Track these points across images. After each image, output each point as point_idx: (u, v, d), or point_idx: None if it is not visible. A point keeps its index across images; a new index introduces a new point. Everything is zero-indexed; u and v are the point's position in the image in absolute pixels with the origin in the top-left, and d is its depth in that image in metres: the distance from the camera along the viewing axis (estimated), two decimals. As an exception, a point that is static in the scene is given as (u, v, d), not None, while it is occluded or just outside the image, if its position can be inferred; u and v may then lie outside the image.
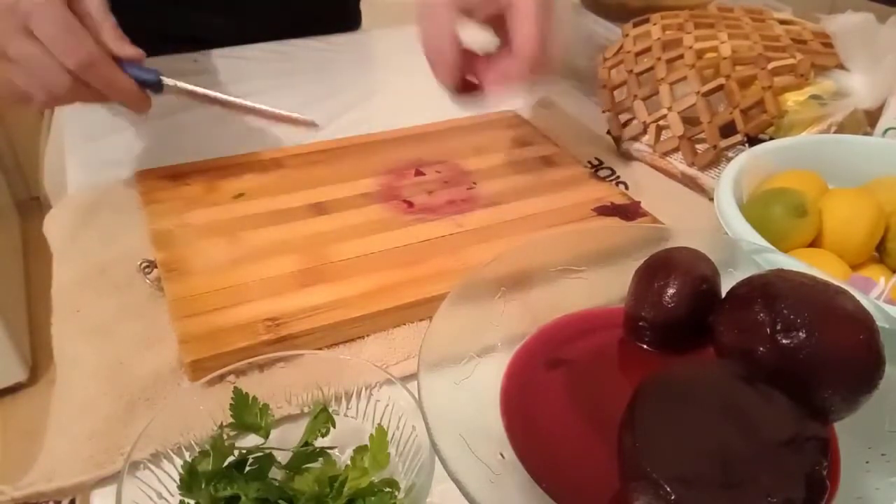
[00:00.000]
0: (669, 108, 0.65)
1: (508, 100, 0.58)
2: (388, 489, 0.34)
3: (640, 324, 0.38)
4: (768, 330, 0.31)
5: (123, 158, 0.65)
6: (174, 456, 0.35)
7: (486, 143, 0.68)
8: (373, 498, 0.33)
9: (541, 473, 0.31)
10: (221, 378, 0.38)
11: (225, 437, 0.35)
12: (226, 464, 0.34)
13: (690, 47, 0.66)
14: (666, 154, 0.66)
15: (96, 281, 0.51)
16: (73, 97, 0.55)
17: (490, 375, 0.36)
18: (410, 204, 0.59)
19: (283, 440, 0.37)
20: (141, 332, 0.47)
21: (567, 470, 0.32)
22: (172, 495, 0.34)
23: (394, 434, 0.37)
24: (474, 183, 0.62)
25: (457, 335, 0.36)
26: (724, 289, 0.36)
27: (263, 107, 0.61)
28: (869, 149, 0.58)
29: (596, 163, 0.68)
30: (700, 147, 0.65)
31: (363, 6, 1.07)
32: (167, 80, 0.57)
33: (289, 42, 0.92)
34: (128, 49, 0.56)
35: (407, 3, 0.66)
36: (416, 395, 0.32)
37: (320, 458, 0.36)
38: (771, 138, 0.61)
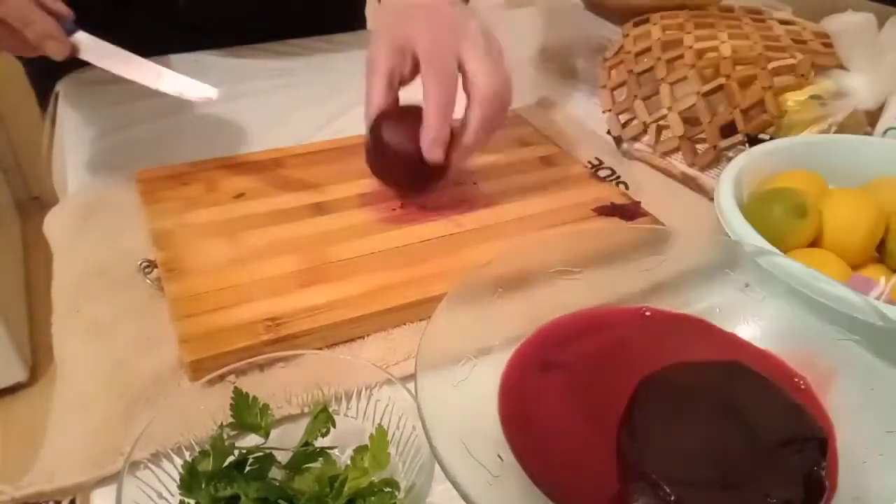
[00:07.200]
0: (669, 108, 0.65)
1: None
2: (388, 489, 0.34)
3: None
4: None
5: (123, 158, 0.65)
6: (174, 456, 0.35)
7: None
8: (373, 498, 0.33)
9: (539, 475, 0.31)
10: (221, 378, 0.38)
11: (225, 437, 0.35)
12: (226, 464, 0.34)
13: (690, 47, 0.66)
14: (666, 154, 0.66)
15: (96, 281, 0.51)
16: None
17: (488, 377, 0.36)
18: (410, 204, 0.59)
19: (283, 440, 0.37)
20: (141, 332, 0.47)
21: (565, 471, 0.32)
22: (172, 495, 0.34)
23: (394, 434, 0.37)
24: (474, 182, 0.62)
25: (454, 336, 0.36)
26: (724, 289, 0.36)
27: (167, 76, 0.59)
28: (869, 149, 0.58)
29: (596, 163, 0.68)
30: (700, 147, 0.65)
31: (366, 7, 1.07)
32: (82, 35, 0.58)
33: (289, 42, 0.92)
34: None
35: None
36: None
37: (320, 458, 0.36)
38: (771, 138, 0.61)
